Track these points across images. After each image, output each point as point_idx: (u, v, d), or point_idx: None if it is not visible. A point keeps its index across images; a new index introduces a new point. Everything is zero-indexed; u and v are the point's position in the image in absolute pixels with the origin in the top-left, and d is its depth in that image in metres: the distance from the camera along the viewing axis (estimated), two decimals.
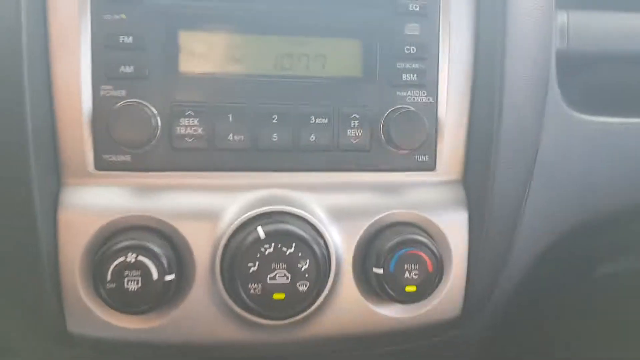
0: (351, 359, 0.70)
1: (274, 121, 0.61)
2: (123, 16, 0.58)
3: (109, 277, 0.55)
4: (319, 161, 0.62)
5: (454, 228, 0.64)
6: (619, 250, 0.95)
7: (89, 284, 0.58)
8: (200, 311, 0.60)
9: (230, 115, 0.60)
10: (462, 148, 0.65)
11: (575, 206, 0.71)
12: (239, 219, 0.59)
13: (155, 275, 0.55)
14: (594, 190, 0.71)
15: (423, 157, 0.64)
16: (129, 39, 0.58)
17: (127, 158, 0.59)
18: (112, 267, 0.55)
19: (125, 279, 0.55)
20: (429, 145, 0.64)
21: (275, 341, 0.62)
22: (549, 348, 0.91)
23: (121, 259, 0.55)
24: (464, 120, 0.65)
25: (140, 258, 0.55)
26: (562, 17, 0.72)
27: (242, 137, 0.60)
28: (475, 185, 0.65)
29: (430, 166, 0.65)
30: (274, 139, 0.61)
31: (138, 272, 0.55)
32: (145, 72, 0.59)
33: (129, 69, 0.58)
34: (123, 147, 0.59)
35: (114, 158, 0.59)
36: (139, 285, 0.55)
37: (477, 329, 0.71)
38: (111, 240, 0.57)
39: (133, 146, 0.58)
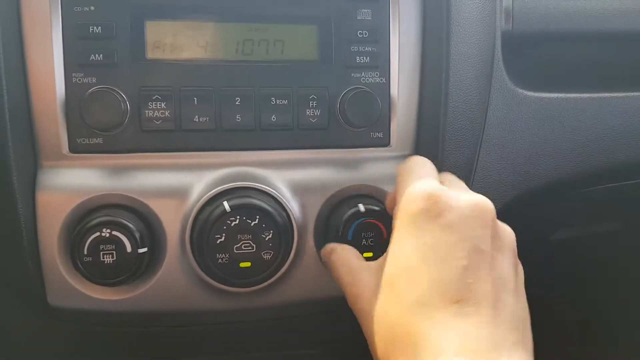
0: (313, 322, 0.75)
1: (237, 103, 0.65)
2: (92, 7, 0.62)
3: (85, 251, 0.59)
4: (280, 140, 0.67)
5: None
6: (573, 216, 1.01)
7: (68, 259, 0.62)
8: (173, 281, 0.64)
9: (195, 99, 0.64)
10: (414, 124, 0.70)
11: (521, 175, 0.75)
12: (206, 195, 0.63)
13: (128, 249, 0.59)
14: (538, 161, 0.76)
15: (378, 134, 0.69)
16: (98, 29, 0.62)
17: (100, 141, 0.63)
18: (88, 241, 0.59)
19: (101, 253, 0.59)
20: (383, 123, 0.69)
21: (243, 308, 0.67)
22: None
23: (96, 234, 0.59)
24: (415, 99, 0.69)
25: (114, 233, 0.59)
26: (507, 0, 0.77)
27: (207, 118, 0.64)
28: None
29: (385, 142, 0.69)
30: (238, 120, 0.65)
31: (112, 246, 0.59)
32: (114, 60, 0.62)
33: (98, 57, 0.62)
34: (95, 131, 0.62)
35: (87, 141, 0.63)
36: (114, 258, 0.59)
37: None
38: (87, 217, 0.61)
39: (104, 129, 0.62)
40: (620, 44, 0.84)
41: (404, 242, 0.51)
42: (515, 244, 0.54)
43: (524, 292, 0.53)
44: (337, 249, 0.61)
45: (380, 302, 0.51)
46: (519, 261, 0.54)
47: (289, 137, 0.67)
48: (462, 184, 0.61)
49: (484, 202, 0.53)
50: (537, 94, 0.76)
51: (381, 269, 0.52)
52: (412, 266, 0.49)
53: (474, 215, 0.51)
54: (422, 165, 0.59)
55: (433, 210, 0.50)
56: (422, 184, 0.53)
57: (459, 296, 0.47)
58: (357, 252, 0.60)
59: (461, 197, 0.52)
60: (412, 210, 0.51)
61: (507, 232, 0.54)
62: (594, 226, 1.04)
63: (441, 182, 0.56)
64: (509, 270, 0.51)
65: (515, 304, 0.49)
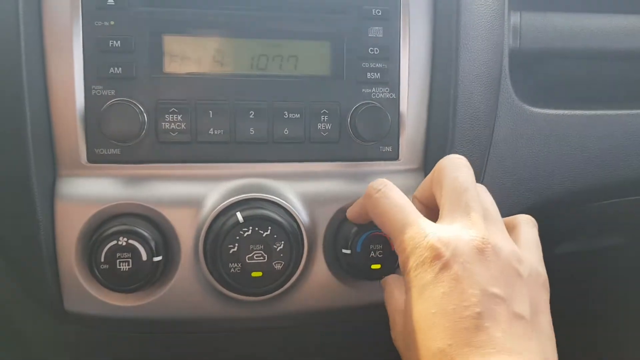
0: (323, 331, 0.76)
1: (251, 116, 0.66)
2: (112, 22, 0.64)
3: (102, 259, 0.61)
4: (292, 152, 0.68)
5: None
6: (576, 230, 1.03)
7: (85, 266, 0.63)
8: (186, 289, 0.65)
9: (210, 112, 0.66)
10: (422, 139, 0.72)
11: (527, 191, 0.77)
12: (220, 206, 0.64)
13: (144, 257, 0.61)
14: (544, 177, 0.78)
15: (387, 148, 0.71)
16: (117, 43, 0.64)
17: (117, 151, 0.65)
18: (105, 249, 0.60)
19: (117, 260, 0.61)
20: (392, 137, 0.70)
21: (254, 316, 0.68)
22: None
23: (113, 242, 0.61)
24: (424, 114, 0.71)
25: (131, 241, 0.61)
26: (515, 18, 0.79)
27: (222, 131, 0.66)
28: None
29: (394, 156, 0.71)
30: (251, 133, 0.67)
31: (129, 254, 0.61)
32: (132, 73, 0.64)
33: (117, 70, 0.64)
34: (113, 142, 0.64)
35: (104, 151, 0.65)
36: (130, 265, 0.61)
37: None
38: (104, 226, 0.63)
39: (122, 140, 0.64)
40: (626, 62, 0.86)
41: (420, 293, 0.51)
42: (538, 272, 0.55)
43: (550, 325, 0.53)
44: (388, 280, 0.62)
45: (408, 346, 0.52)
46: (546, 289, 0.55)
47: (301, 150, 0.68)
48: (490, 207, 0.59)
49: (488, 244, 0.52)
50: (543, 111, 0.78)
51: (407, 312, 0.53)
52: (429, 316, 0.50)
53: (481, 259, 0.51)
54: (456, 168, 0.59)
55: (443, 260, 0.51)
56: (433, 232, 0.53)
57: (477, 343, 0.47)
58: (402, 284, 0.58)
59: (464, 238, 0.52)
60: (421, 260, 0.52)
61: (527, 264, 0.54)
62: (598, 241, 1.05)
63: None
64: (524, 308, 0.51)
65: (537, 338, 0.50)
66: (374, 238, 0.65)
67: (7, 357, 0.78)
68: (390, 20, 0.69)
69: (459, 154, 0.68)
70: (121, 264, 0.61)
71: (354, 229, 0.66)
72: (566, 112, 0.79)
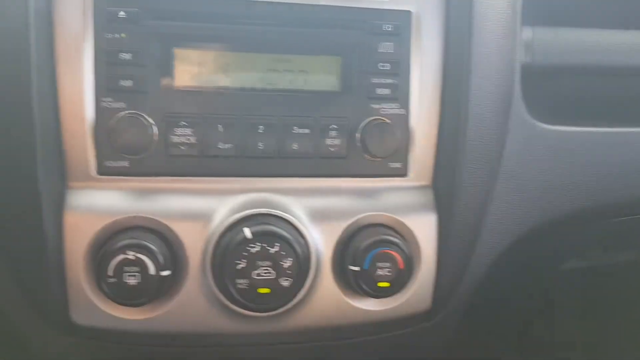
0: (330, 348, 0.76)
1: (260, 131, 0.66)
2: (123, 35, 0.64)
3: (110, 272, 0.61)
4: (300, 168, 0.68)
5: (424, 229, 0.70)
6: (584, 246, 1.02)
7: (92, 279, 0.64)
8: (193, 304, 0.65)
9: (220, 126, 0.66)
10: (432, 156, 0.71)
11: (536, 209, 0.77)
12: (228, 220, 0.64)
13: (152, 271, 0.61)
14: (554, 194, 0.77)
15: (396, 164, 0.70)
16: (128, 56, 0.64)
17: (127, 164, 0.65)
18: (113, 263, 0.61)
19: (125, 274, 0.61)
20: (401, 153, 0.70)
21: (261, 331, 0.68)
22: (514, 335, 0.97)
23: (121, 256, 0.61)
24: (434, 130, 0.71)
25: (139, 255, 0.61)
26: (527, 33, 0.78)
27: (231, 145, 0.66)
28: (444, 190, 0.71)
29: (403, 172, 0.71)
30: (260, 147, 0.67)
31: (137, 268, 0.61)
32: (142, 86, 0.64)
33: (128, 83, 0.64)
34: (123, 154, 0.64)
35: (114, 164, 0.65)
36: (138, 280, 0.61)
37: (446, 319, 0.77)
38: (112, 239, 0.63)
39: (132, 153, 0.64)
40: (639, 79, 0.85)
41: None
42: None
43: None
44: None
45: None
46: None
47: (309, 165, 0.68)
48: None
49: None
50: (554, 127, 0.77)
51: None
52: None
53: None
54: None
55: None
56: None
57: None
58: None
59: None
60: None
61: None
62: (607, 257, 1.04)
63: None
64: None
65: None
66: (383, 255, 0.65)
67: None
68: (401, 35, 0.69)
69: (469, 171, 0.68)
70: (129, 278, 0.61)
71: (363, 245, 0.65)
72: (578, 129, 0.78)
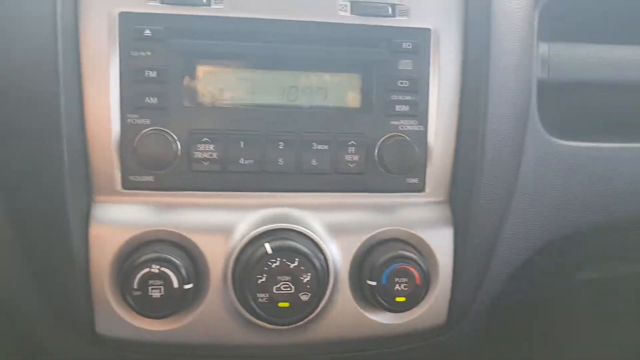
0: None
1: (280, 147, 0.68)
2: (148, 53, 0.65)
3: (135, 285, 0.62)
4: (319, 183, 0.69)
5: (441, 244, 0.71)
6: (600, 257, 1.02)
7: (117, 291, 0.65)
8: (214, 316, 0.67)
9: (241, 142, 0.67)
10: (449, 172, 0.72)
11: (552, 223, 0.77)
12: (249, 235, 0.66)
13: (175, 284, 0.63)
14: (569, 209, 0.78)
15: (413, 180, 0.71)
16: (153, 74, 0.65)
17: (151, 179, 0.67)
18: (138, 277, 0.62)
19: (150, 288, 0.62)
20: (419, 169, 0.71)
21: (280, 343, 0.70)
22: (530, 349, 0.98)
23: (146, 269, 0.62)
24: (451, 147, 0.72)
25: (163, 269, 0.62)
26: (543, 49, 0.79)
27: (252, 161, 0.67)
28: (460, 206, 0.72)
29: (420, 188, 0.72)
30: (280, 163, 0.68)
31: (161, 282, 0.62)
32: (167, 103, 0.65)
33: (153, 100, 0.65)
34: (147, 169, 0.66)
35: (138, 179, 0.66)
36: (162, 293, 0.63)
37: (462, 333, 0.78)
38: (136, 252, 0.64)
39: (156, 168, 0.65)
40: None
41: None
42: None
43: None
44: None
45: None
46: None
47: (328, 180, 0.70)
48: None
49: None
50: (569, 143, 0.78)
51: None
52: None
53: None
54: None
55: None
56: None
57: None
58: None
59: None
60: None
61: None
62: (622, 267, 1.05)
63: None
64: None
65: None
66: (400, 271, 0.66)
67: None
68: (420, 53, 0.70)
69: (486, 188, 0.69)
70: (153, 291, 0.63)
71: (380, 261, 0.67)
72: (593, 144, 0.79)
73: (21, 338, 0.80)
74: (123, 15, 0.64)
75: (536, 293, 0.95)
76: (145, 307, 0.63)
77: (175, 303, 0.63)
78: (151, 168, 0.66)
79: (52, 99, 0.62)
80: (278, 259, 0.64)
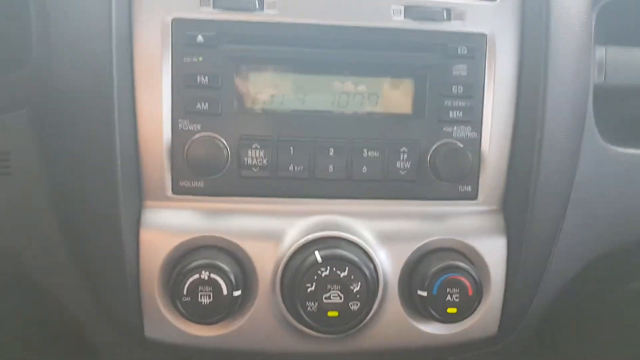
0: None
1: (330, 154, 0.67)
2: (200, 59, 0.65)
3: (185, 292, 0.62)
4: (369, 190, 0.68)
5: (493, 254, 0.69)
6: None
7: (166, 296, 0.65)
8: (262, 323, 0.67)
9: (291, 148, 0.66)
10: (503, 179, 0.70)
11: (608, 234, 0.75)
12: (298, 242, 0.65)
13: (225, 291, 0.62)
14: (626, 219, 0.75)
15: (466, 188, 0.70)
16: (205, 79, 0.65)
17: (201, 184, 0.66)
18: (188, 283, 0.62)
19: (199, 294, 0.62)
20: (472, 177, 0.69)
21: (327, 352, 0.69)
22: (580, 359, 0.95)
23: (196, 276, 0.62)
24: (506, 154, 0.70)
25: (213, 275, 0.62)
26: (600, 53, 0.76)
27: (302, 167, 0.67)
28: (514, 215, 0.70)
29: (473, 196, 0.70)
30: (330, 170, 0.67)
31: (210, 288, 0.62)
32: (218, 109, 0.65)
33: (204, 106, 0.65)
34: (197, 175, 0.66)
35: (189, 184, 0.66)
36: (211, 299, 0.62)
37: (512, 344, 0.77)
38: (186, 257, 0.65)
39: (206, 174, 0.65)
40: None
41: None
42: None
43: None
44: None
45: None
46: None
47: (378, 188, 0.68)
48: None
49: None
50: (627, 151, 0.75)
51: None
52: None
53: None
54: None
55: None
56: None
57: None
58: None
59: None
60: None
61: None
62: None
63: None
64: None
65: None
66: (452, 281, 0.65)
67: None
68: (476, 58, 0.68)
69: (542, 196, 0.67)
70: (202, 297, 0.63)
71: (431, 271, 0.65)
72: None
73: (73, 340, 0.81)
74: (176, 22, 0.64)
75: (587, 303, 0.93)
76: (194, 313, 0.63)
77: (224, 309, 0.63)
78: (201, 174, 0.66)
79: (106, 103, 0.63)
80: (328, 267, 0.63)
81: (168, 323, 0.66)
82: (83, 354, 0.81)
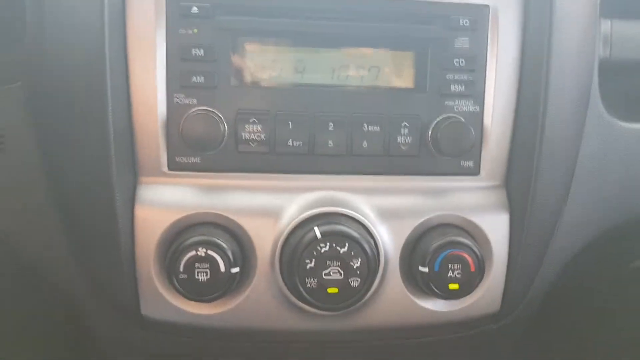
0: (394, 347, 0.75)
1: (330, 128, 0.65)
2: (195, 31, 0.63)
3: (181, 269, 0.61)
4: (370, 165, 0.67)
5: (496, 230, 0.68)
6: None
7: (163, 274, 0.64)
8: (261, 300, 0.66)
9: (290, 122, 0.65)
10: (506, 154, 0.69)
11: (613, 210, 0.74)
12: (297, 218, 0.64)
13: (222, 268, 0.61)
14: (631, 195, 0.74)
15: (468, 163, 0.68)
16: (200, 52, 0.63)
17: (197, 160, 0.65)
18: (184, 260, 0.61)
19: (196, 271, 0.61)
20: (474, 152, 0.68)
21: (327, 329, 0.68)
22: (585, 337, 0.94)
23: (192, 252, 0.61)
24: (508, 128, 0.68)
25: (210, 252, 0.61)
26: (605, 26, 0.74)
27: (301, 142, 0.65)
28: (517, 190, 0.69)
29: (475, 171, 0.69)
30: (330, 145, 0.66)
31: (207, 265, 0.61)
32: (214, 82, 0.64)
33: (200, 79, 0.63)
34: (194, 150, 0.64)
35: (185, 160, 0.65)
36: (208, 276, 0.61)
37: (514, 322, 0.76)
38: (182, 234, 0.63)
39: (203, 149, 0.64)
40: None
41: None
42: None
43: None
44: None
45: None
46: None
47: (379, 163, 0.67)
48: None
49: None
50: (633, 126, 0.74)
51: None
52: None
53: None
54: None
55: None
56: None
57: None
58: None
59: None
60: None
61: None
62: None
63: None
64: None
65: None
66: (453, 257, 0.64)
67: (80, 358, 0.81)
68: (478, 30, 0.66)
69: (545, 171, 0.66)
70: (200, 274, 0.61)
71: (433, 246, 0.64)
72: None
73: (70, 321, 0.80)
74: None
75: (590, 280, 0.92)
76: (192, 291, 0.62)
77: (222, 287, 0.62)
78: (198, 149, 0.64)
79: (98, 77, 0.61)
80: (328, 243, 0.62)
81: (165, 301, 0.65)
82: (81, 337, 0.79)
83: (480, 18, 0.66)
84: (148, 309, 0.66)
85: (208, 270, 0.61)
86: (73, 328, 0.81)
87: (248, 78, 0.65)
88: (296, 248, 0.62)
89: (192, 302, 0.65)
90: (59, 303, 0.77)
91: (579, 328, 0.94)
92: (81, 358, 0.84)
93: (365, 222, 0.64)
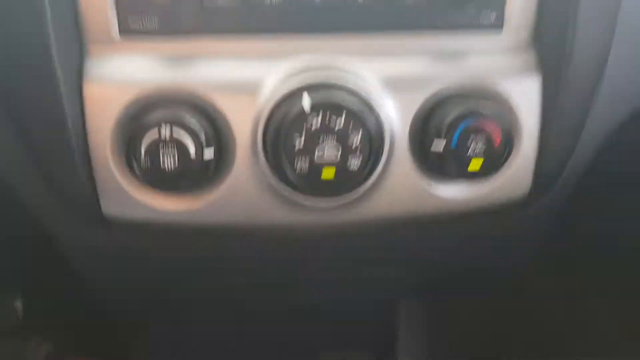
0: (403, 242, 0.65)
1: None
2: None
3: (142, 153, 0.50)
4: (370, 20, 0.54)
5: (524, 97, 0.56)
6: None
7: (123, 163, 0.53)
8: (242, 192, 0.55)
9: None
10: (535, 3, 0.56)
11: None
12: (281, 90, 0.52)
13: (192, 153, 0.51)
14: None
15: (489, 14, 0.56)
16: None
17: (155, 22, 0.53)
18: (145, 144, 0.50)
19: (161, 157, 0.51)
20: (496, 1, 0.55)
21: (323, 223, 0.58)
22: (619, 233, 0.84)
23: (154, 133, 0.50)
24: None
25: (176, 133, 0.50)
26: None
27: None
28: (550, 48, 0.56)
29: (498, 24, 0.56)
30: None
31: (174, 149, 0.50)
32: None
33: None
34: (148, 8, 0.52)
35: (139, 22, 0.53)
36: (176, 164, 0.51)
37: (544, 209, 0.65)
38: (143, 114, 0.52)
39: (159, 5, 0.52)
40: None
41: None
42: None
43: None
44: None
45: None
46: None
47: (381, 16, 0.54)
48: None
49: None
50: None
51: None
52: None
53: None
54: None
55: None
56: None
57: None
58: None
59: None
60: None
61: None
62: None
63: None
64: None
65: None
66: (473, 130, 0.52)
67: (46, 270, 0.72)
68: None
69: (583, 24, 0.54)
70: (165, 161, 0.51)
71: (449, 119, 0.52)
72: None
73: (31, 226, 0.70)
74: None
75: (626, 166, 0.81)
76: (156, 181, 0.52)
77: (193, 176, 0.52)
78: (153, 6, 0.52)
79: None
80: (320, 116, 0.50)
81: (128, 196, 0.55)
82: (46, 243, 0.70)
83: None
84: (109, 207, 0.56)
85: (175, 156, 0.50)
86: (37, 235, 0.71)
87: None
88: (281, 124, 0.51)
89: (161, 197, 0.55)
90: (18, 206, 0.66)
91: (617, 215, 0.83)
92: (46, 268, 0.75)
93: (366, 92, 0.53)
